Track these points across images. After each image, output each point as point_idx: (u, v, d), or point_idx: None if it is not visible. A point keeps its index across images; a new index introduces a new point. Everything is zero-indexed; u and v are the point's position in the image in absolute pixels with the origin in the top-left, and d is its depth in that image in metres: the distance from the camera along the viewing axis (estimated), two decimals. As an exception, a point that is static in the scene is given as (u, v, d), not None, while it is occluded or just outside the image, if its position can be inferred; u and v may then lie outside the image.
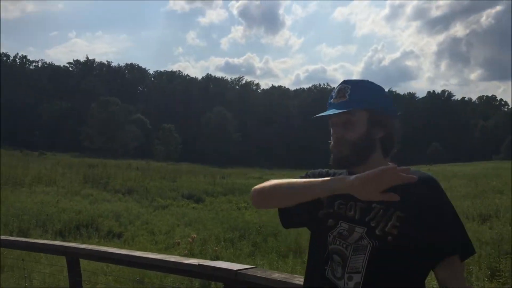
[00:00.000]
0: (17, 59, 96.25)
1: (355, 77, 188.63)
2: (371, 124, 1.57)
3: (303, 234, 13.44)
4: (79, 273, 3.46)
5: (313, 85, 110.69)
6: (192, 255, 10.62)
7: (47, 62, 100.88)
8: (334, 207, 1.57)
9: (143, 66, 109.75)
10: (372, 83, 1.64)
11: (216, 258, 10.10)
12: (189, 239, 10.41)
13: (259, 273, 2.30)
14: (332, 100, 1.62)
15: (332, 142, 1.60)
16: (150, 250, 11.22)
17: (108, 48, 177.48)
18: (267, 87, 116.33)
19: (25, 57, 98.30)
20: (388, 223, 1.46)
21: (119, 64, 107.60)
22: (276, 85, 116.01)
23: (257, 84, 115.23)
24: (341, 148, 1.57)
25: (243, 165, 72.61)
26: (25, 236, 12.19)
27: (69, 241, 12.06)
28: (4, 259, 9.47)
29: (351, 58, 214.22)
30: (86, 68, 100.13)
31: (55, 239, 12.39)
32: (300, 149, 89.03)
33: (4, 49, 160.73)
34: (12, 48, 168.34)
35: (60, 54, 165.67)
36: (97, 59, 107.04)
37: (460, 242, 1.49)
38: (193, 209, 19.09)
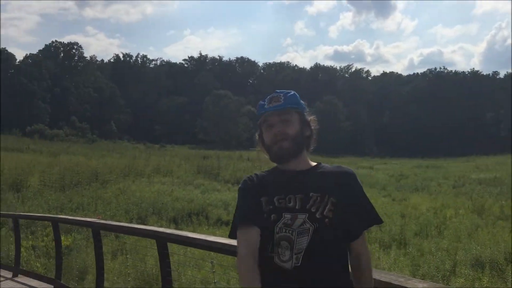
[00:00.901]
0: (138, 58, 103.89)
1: (476, 58, 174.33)
2: (302, 124, 1.96)
3: (409, 225, 12.96)
4: (167, 255, 3.81)
5: (428, 70, 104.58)
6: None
7: (165, 60, 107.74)
8: (274, 203, 1.84)
9: (252, 59, 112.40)
10: (295, 93, 2.00)
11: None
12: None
13: None
14: (266, 106, 1.95)
15: (270, 140, 1.92)
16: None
17: (219, 43, 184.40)
18: (378, 74, 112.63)
19: (145, 56, 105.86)
20: (326, 207, 1.80)
21: (230, 58, 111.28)
22: (388, 71, 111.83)
23: (367, 71, 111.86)
24: (282, 143, 1.88)
25: (353, 154, 71.28)
26: (143, 223, 13.29)
27: (182, 228, 12.90)
28: (121, 244, 10.42)
29: (471, 38, 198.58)
30: (200, 64, 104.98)
31: (169, 226, 13.34)
32: (415, 137, 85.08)
33: (127, 50, 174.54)
34: (134, 49, 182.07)
35: (177, 52, 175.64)
36: (210, 55, 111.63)
37: (373, 217, 1.91)
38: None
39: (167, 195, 17.42)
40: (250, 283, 1.70)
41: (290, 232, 1.78)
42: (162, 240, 3.85)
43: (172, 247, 6.02)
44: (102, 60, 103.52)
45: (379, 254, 9.51)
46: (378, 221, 1.92)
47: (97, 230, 5.49)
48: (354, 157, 63.15)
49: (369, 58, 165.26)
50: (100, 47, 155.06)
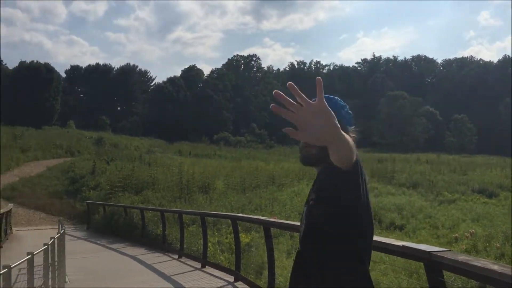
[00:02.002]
0: (312, 65, 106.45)
1: None
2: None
3: None
4: None
5: None
6: (476, 252, 10.05)
7: (338, 64, 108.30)
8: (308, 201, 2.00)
9: (430, 56, 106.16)
10: (340, 100, 2.02)
11: (501, 255, 9.31)
12: (466, 234, 9.86)
13: (448, 254, 2.58)
14: None
15: (301, 143, 1.93)
16: (431, 243, 11.08)
17: (393, 42, 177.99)
18: None
19: (318, 62, 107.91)
20: (312, 194, 1.93)
21: (405, 58, 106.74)
22: None
23: None
24: (311, 149, 1.91)
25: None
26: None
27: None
28: (295, 243, 10.91)
29: None
30: (373, 65, 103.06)
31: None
32: None
33: (301, 58, 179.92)
34: (307, 56, 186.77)
35: (350, 55, 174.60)
36: (384, 55, 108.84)
37: None
38: (483, 204, 17.71)
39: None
40: None
41: (302, 225, 1.98)
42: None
43: None
44: (278, 69, 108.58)
45: None
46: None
47: (267, 227, 5.97)
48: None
49: None
50: (276, 56, 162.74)
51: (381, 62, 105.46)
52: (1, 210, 15.59)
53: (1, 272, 4.31)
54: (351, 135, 1.93)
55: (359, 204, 1.80)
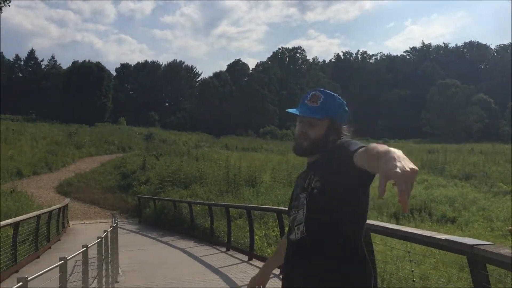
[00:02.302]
0: (358, 55, 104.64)
1: None
2: (329, 130, 2.05)
3: None
4: (371, 244, 4.06)
5: None
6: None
7: (385, 54, 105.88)
8: (297, 190, 2.09)
9: (483, 42, 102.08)
10: (339, 98, 2.10)
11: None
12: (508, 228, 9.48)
13: (492, 248, 2.59)
14: (306, 101, 2.08)
15: (296, 133, 2.09)
16: (484, 237, 10.74)
17: (444, 29, 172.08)
18: None
19: (365, 52, 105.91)
20: (314, 180, 1.98)
21: (456, 45, 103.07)
22: None
23: None
24: (303, 141, 2.06)
25: None
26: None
27: (403, 224, 12.72)
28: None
29: None
30: (422, 54, 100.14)
31: (389, 221, 13.29)
32: None
33: (347, 48, 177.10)
34: (353, 46, 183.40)
35: (397, 44, 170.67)
36: (433, 43, 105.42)
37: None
38: (543, 196, 16.91)
39: (388, 190, 17.31)
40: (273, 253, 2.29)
41: (296, 211, 2.05)
42: (366, 231, 4.13)
43: (393, 242, 6.17)
44: (324, 61, 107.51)
45: None
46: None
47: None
48: None
49: None
50: (321, 48, 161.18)
51: (431, 50, 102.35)
52: (58, 205, 16.35)
53: (58, 263, 4.55)
54: (344, 133, 2.08)
55: (361, 193, 1.92)
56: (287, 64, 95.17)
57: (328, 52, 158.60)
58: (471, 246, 2.72)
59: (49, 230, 13.73)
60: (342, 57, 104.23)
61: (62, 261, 4.43)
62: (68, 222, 18.73)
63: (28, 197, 19.92)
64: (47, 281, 4.74)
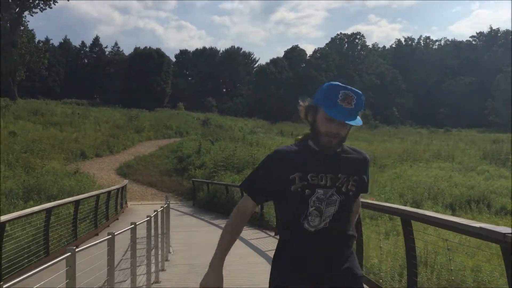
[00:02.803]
0: (421, 40, 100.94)
1: None
2: (350, 126, 2.16)
3: None
4: (411, 232, 3.99)
5: None
6: None
7: (449, 39, 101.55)
8: (308, 180, 2.14)
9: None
10: (362, 94, 2.17)
11: None
12: None
13: None
14: (339, 102, 2.10)
15: (324, 131, 2.12)
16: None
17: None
18: None
19: (428, 37, 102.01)
20: (349, 183, 2.17)
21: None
22: None
23: None
24: (333, 140, 2.12)
25: None
26: (417, 207, 13.22)
27: (459, 215, 12.31)
28: (394, 226, 10.65)
29: None
30: (490, 39, 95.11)
31: (444, 212, 12.91)
32: None
33: (409, 33, 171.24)
34: (416, 31, 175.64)
35: (463, 28, 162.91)
36: (502, 27, 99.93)
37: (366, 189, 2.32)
38: None
39: (444, 180, 16.78)
40: (227, 232, 2.30)
41: (320, 203, 2.13)
42: (406, 218, 4.13)
43: (444, 233, 6.03)
44: (384, 47, 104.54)
45: None
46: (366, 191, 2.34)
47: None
48: None
49: None
50: (382, 33, 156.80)
51: (499, 35, 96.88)
52: (117, 186, 17.08)
53: (106, 238, 4.82)
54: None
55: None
56: (345, 50, 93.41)
57: (389, 38, 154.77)
58: (504, 234, 2.68)
59: (107, 209, 14.42)
60: (404, 43, 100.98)
61: (110, 236, 4.68)
62: (126, 203, 19.55)
63: (90, 178, 20.95)
64: (97, 252, 5.05)
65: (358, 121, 2.12)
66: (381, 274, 6.42)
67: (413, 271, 4.29)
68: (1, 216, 7.28)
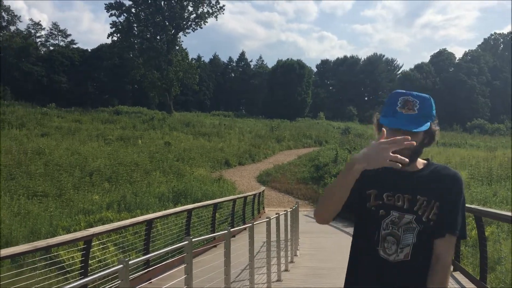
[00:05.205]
0: None
1: None
2: (426, 135, 1.95)
3: None
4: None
5: None
6: None
7: None
8: (384, 199, 1.95)
9: None
10: (431, 98, 1.97)
11: None
12: None
13: None
14: (399, 109, 1.92)
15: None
16: None
17: None
18: None
19: None
20: (431, 212, 1.92)
21: None
22: None
23: None
24: (402, 151, 1.80)
25: None
26: None
27: None
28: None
29: None
30: None
31: None
32: None
33: None
34: None
35: None
36: None
37: (458, 228, 1.95)
38: None
39: None
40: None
41: (397, 229, 1.93)
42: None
43: None
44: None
45: None
46: (462, 235, 1.97)
47: (478, 217, 5.72)
48: None
49: None
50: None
51: None
52: (253, 192, 18.09)
53: (247, 225, 5.41)
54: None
55: None
56: (501, 51, 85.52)
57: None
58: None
59: (244, 213, 15.40)
60: None
61: (226, 231, 5.27)
62: (263, 208, 20.53)
63: (231, 184, 22.45)
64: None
65: (424, 127, 1.88)
66: None
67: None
68: (150, 214, 8.48)
